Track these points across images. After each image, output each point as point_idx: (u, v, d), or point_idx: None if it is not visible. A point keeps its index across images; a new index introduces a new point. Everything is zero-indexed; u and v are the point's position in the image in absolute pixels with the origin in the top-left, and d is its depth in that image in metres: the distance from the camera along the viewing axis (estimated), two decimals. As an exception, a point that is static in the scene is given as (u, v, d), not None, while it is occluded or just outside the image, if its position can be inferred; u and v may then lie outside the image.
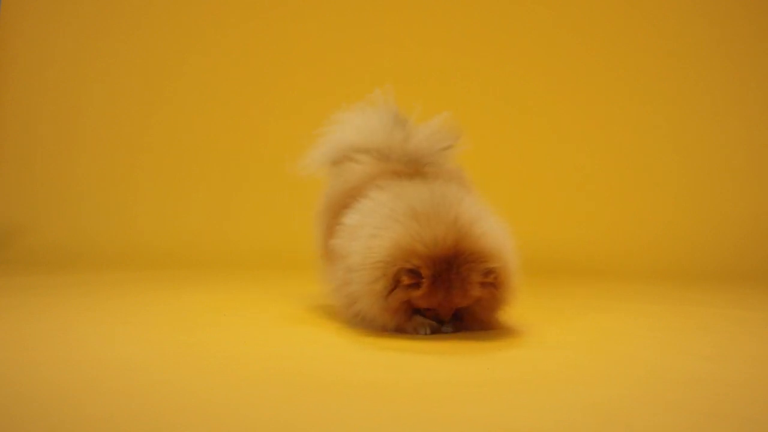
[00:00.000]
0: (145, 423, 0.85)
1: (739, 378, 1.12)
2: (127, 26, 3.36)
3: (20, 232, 3.10)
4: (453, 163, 1.69)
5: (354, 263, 1.37)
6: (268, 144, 3.14)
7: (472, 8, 3.21)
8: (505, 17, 3.18)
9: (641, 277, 2.59)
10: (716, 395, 1.00)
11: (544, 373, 1.14)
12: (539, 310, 1.75)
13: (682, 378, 1.10)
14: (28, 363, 1.15)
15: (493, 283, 1.34)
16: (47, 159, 3.31)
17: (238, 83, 3.27)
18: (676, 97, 3.08)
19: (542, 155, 3.08)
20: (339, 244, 1.45)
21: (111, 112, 3.33)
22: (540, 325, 1.55)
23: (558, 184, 3.04)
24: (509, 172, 2.99)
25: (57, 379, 1.05)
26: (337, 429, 0.84)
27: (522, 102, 3.13)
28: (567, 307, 1.87)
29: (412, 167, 1.56)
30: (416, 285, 1.31)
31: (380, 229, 1.36)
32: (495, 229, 1.40)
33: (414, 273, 1.30)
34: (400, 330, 1.38)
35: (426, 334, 1.38)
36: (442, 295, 1.33)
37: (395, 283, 1.31)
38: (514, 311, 1.45)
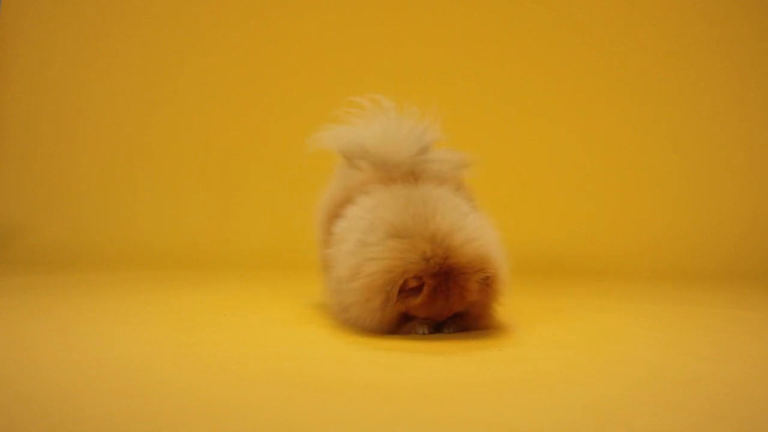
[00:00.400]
0: (145, 423, 0.85)
1: (739, 378, 1.11)
2: (127, 26, 3.36)
3: (20, 232, 3.10)
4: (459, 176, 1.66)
5: (342, 277, 1.38)
6: (268, 144, 3.15)
7: (472, 8, 3.21)
8: (505, 17, 3.18)
9: (641, 277, 2.59)
10: (716, 395, 1.00)
11: (544, 373, 1.14)
12: (539, 310, 1.75)
13: (682, 378, 1.10)
14: (28, 363, 1.15)
15: (488, 283, 1.35)
16: (47, 159, 3.31)
17: (238, 83, 3.27)
18: (676, 97, 3.08)
19: (542, 155, 3.08)
20: (330, 253, 1.47)
21: (111, 112, 3.33)
22: (540, 325, 1.55)
23: (558, 184, 3.05)
24: (509, 171, 2.99)
25: (57, 379, 1.05)
26: (337, 429, 0.84)
27: (522, 102, 3.13)
28: (567, 306, 1.87)
29: (407, 172, 1.55)
30: (417, 291, 1.31)
31: (367, 245, 1.35)
32: (477, 230, 1.38)
33: (417, 278, 1.30)
34: (396, 333, 1.38)
35: (424, 333, 1.38)
36: (441, 304, 1.34)
37: (395, 295, 1.31)
38: (514, 311, 1.45)
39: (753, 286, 2.40)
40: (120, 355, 1.23)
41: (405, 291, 1.31)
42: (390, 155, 1.56)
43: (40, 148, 3.33)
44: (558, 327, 1.55)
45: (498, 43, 3.17)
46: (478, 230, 1.38)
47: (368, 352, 1.28)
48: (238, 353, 1.27)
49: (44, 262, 2.77)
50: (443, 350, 1.29)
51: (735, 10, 3.09)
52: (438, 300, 1.33)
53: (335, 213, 1.53)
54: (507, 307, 1.49)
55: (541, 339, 1.42)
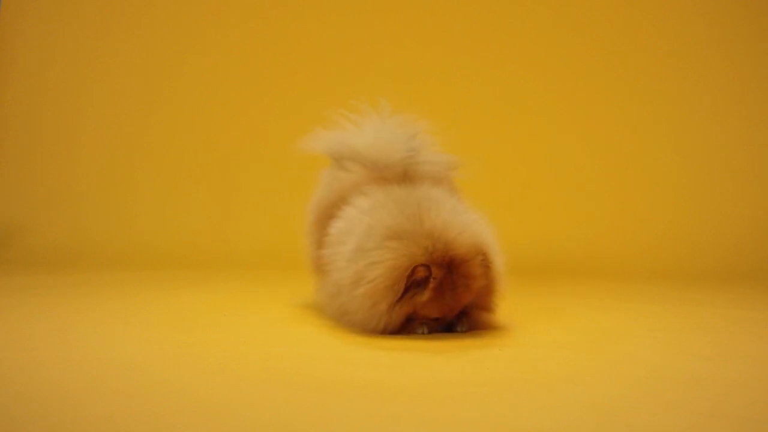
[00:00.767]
0: (145, 423, 0.85)
1: (739, 378, 1.11)
2: (127, 26, 3.36)
3: (20, 232, 3.10)
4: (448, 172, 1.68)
5: (344, 285, 1.38)
6: (268, 144, 3.15)
7: (472, 8, 3.21)
8: (505, 17, 3.18)
9: (641, 277, 2.58)
10: (716, 395, 1.00)
11: (544, 373, 1.14)
12: (539, 310, 1.75)
13: (682, 378, 1.10)
14: (28, 363, 1.15)
15: (487, 264, 1.37)
16: (47, 159, 3.31)
17: (238, 83, 3.27)
18: (676, 97, 3.08)
19: (542, 155, 3.08)
20: (325, 254, 1.47)
21: (111, 112, 3.33)
22: (540, 325, 1.55)
23: (558, 184, 3.04)
24: (509, 171, 2.99)
25: (57, 379, 1.05)
26: (337, 429, 0.84)
27: (522, 102, 3.13)
28: (567, 306, 1.87)
29: (400, 173, 1.56)
30: (424, 286, 1.32)
31: (367, 251, 1.36)
32: (470, 223, 1.40)
33: (426, 267, 1.31)
34: (398, 333, 1.39)
35: (424, 333, 1.38)
36: (449, 297, 1.34)
37: (401, 288, 1.31)
38: (514, 311, 1.45)
39: (753, 286, 2.40)
40: (120, 355, 1.23)
41: (413, 286, 1.32)
42: (381, 157, 1.57)
43: (40, 148, 3.33)
44: (558, 327, 1.55)
45: (498, 43, 3.17)
46: (470, 223, 1.40)
47: (368, 352, 1.28)
48: (238, 353, 1.27)
49: (44, 262, 2.77)
50: (443, 350, 1.29)
51: (735, 10, 3.09)
52: (445, 294, 1.34)
53: (329, 214, 1.53)
54: (507, 306, 1.49)
55: (541, 339, 1.42)
